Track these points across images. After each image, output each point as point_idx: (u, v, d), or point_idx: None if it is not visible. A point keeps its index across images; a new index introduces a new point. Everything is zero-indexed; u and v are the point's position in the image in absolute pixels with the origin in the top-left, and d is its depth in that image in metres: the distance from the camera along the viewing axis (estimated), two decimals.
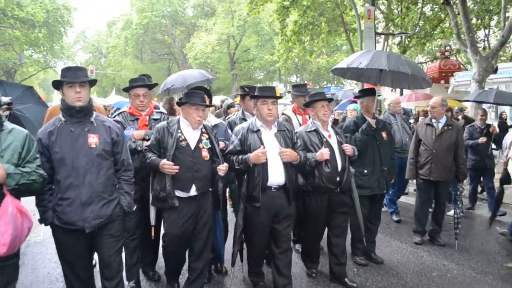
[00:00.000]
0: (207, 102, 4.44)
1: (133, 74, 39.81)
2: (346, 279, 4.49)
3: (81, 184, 3.15)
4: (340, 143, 4.49)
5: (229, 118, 5.54)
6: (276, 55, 23.76)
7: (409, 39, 19.60)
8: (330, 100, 4.68)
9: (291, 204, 4.15)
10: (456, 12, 11.68)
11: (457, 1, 11.41)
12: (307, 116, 5.29)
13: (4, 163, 2.67)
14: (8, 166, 2.69)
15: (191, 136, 3.92)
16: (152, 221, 4.11)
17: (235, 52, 39.26)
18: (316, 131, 4.45)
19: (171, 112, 6.11)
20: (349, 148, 4.47)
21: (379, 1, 20.16)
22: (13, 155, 2.79)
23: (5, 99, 5.60)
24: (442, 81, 17.29)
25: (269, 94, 4.14)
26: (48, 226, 3.24)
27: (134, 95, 4.37)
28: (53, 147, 3.16)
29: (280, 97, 4.52)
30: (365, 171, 4.99)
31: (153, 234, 4.19)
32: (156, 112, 4.58)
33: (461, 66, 18.24)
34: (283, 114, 5.67)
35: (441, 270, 4.97)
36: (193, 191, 3.83)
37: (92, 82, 3.34)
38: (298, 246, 5.41)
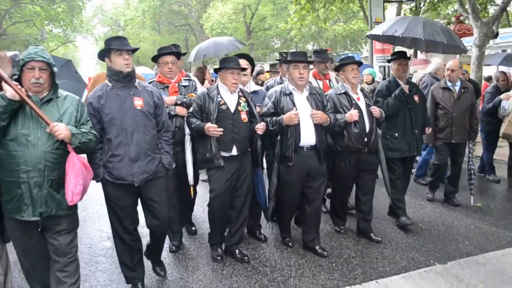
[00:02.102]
0: (249, 69, 4.84)
1: (152, 46, 40.44)
2: (371, 234, 4.88)
3: (130, 142, 3.45)
4: (368, 106, 4.70)
5: (267, 83, 5.77)
6: (290, 24, 24.12)
7: (421, 5, 19.77)
8: (359, 63, 4.91)
9: (322, 164, 4.41)
10: None
11: None
12: (327, 81, 5.58)
13: None
14: (71, 127, 3.00)
15: (230, 100, 4.18)
16: (191, 181, 4.43)
17: (251, 21, 39.36)
18: (346, 93, 4.67)
19: (203, 80, 6.48)
20: (376, 110, 4.69)
21: None
22: (71, 119, 3.10)
23: None
24: None
25: (300, 58, 4.36)
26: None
27: (163, 62, 4.59)
28: (103, 109, 3.45)
29: (311, 62, 4.78)
30: (396, 134, 5.13)
31: (192, 193, 4.52)
32: (185, 79, 4.80)
33: None
34: None
35: (417, 207, 5.82)
36: (234, 151, 4.12)
37: (135, 51, 3.67)
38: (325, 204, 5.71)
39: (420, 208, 5.93)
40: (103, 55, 3.60)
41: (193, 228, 5.21)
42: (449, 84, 5.99)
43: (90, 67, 57.90)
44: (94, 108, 3.47)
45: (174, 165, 3.96)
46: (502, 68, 11.99)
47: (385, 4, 19.45)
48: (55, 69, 3.09)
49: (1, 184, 3.01)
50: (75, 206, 3.17)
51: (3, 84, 2.87)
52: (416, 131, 5.20)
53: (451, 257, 4.40)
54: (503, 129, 6.82)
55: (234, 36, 39.29)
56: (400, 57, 5.32)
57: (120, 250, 3.80)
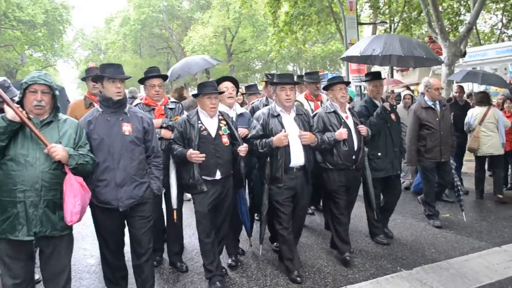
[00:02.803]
0: (235, 91, 4.80)
1: (133, 69, 40.60)
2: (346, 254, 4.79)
3: (116, 167, 3.50)
4: (356, 124, 4.79)
5: (253, 103, 5.73)
6: (269, 45, 24.68)
7: (394, 26, 20.52)
8: (347, 83, 5.03)
9: (309, 183, 4.49)
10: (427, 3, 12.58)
11: None
12: (318, 103, 5.69)
13: None
14: (69, 149, 3.11)
15: (210, 125, 4.20)
16: (174, 204, 4.37)
17: (232, 43, 39.92)
18: (335, 112, 4.75)
19: (181, 100, 6.40)
20: (364, 129, 4.79)
21: None
22: (69, 141, 3.20)
23: None
24: None
25: (287, 80, 4.40)
26: None
27: (150, 85, 4.59)
28: (92, 134, 3.50)
29: (298, 83, 4.82)
30: (379, 153, 5.17)
31: (175, 217, 4.42)
32: (171, 101, 4.83)
33: None
34: (296, 100, 5.74)
35: (390, 220, 5.90)
36: (218, 176, 4.15)
37: (127, 79, 3.75)
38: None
39: (391, 220, 6.17)
40: (96, 79, 3.71)
41: (184, 266, 4.77)
42: (430, 103, 5.88)
43: (71, 91, 57.77)
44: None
45: (164, 191, 4.00)
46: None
47: (360, 25, 20.20)
48: (56, 92, 3.21)
49: None
50: (69, 228, 3.21)
51: (5, 106, 2.98)
52: (396, 149, 5.27)
53: (417, 264, 4.65)
54: (468, 143, 7.21)
55: (215, 58, 39.76)
56: (374, 78, 5.38)
57: (104, 266, 3.92)
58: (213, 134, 4.16)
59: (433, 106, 5.86)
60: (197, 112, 4.25)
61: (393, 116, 5.31)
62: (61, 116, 3.30)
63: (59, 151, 3.01)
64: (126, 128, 3.60)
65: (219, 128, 4.20)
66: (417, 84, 16.33)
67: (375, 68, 25.40)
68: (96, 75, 3.68)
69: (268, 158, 4.30)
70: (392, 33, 20.86)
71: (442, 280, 4.21)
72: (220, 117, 4.28)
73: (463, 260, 4.72)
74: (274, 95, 4.51)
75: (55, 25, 36.92)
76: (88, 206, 3.50)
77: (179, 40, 42.07)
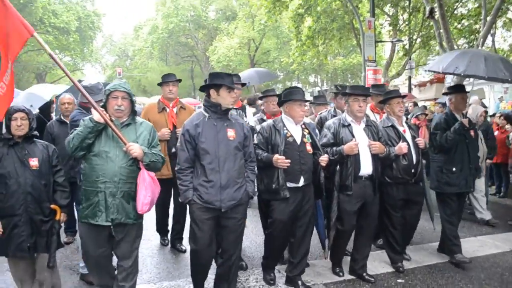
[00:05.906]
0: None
1: (159, 76, 40.98)
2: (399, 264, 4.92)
3: (221, 170, 3.70)
4: (413, 137, 4.85)
5: (321, 113, 5.90)
6: (291, 58, 25.71)
7: (412, 43, 21.29)
8: (404, 96, 5.16)
9: (377, 194, 4.56)
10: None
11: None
12: (384, 115, 5.55)
13: None
14: (144, 148, 3.46)
15: (295, 132, 4.30)
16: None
17: (255, 54, 40.91)
18: (393, 126, 4.81)
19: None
20: (422, 142, 4.85)
21: (385, 7, 22.03)
22: (144, 141, 3.56)
23: None
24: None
25: (361, 92, 4.53)
26: None
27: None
28: (199, 137, 3.70)
29: (370, 95, 4.92)
30: (454, 169, 5.05)
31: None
32: (234, 109, 4.82)
33: None
34: None
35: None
36: (301, 182, 4.20)
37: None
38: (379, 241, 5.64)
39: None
40: (209, 86, 3.85)
41: (243, 264, 4.99)
42: None
43: None
44: (191, 135, 3.74)
45: (257, 194, 4.27)
46: None
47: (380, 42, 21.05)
48: (134, 98, 3.63)
49: (83, 192, 3.51)
50: (141, 217, 3.58)
51: (92, 109, 3.46)
52: (472, 166, 5.14)
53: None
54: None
55: (239, 68, 40.79)
56: (461, 90, 5.24)
57: (195, 266, 4.01)
58: (298, 141, 4.27)
59: None
60: (281, 119, 4.38)
61: (471, 132, 5.23)
62: (138, 119, 3.72)
63: (136, 149, 3.39)
64: (231, 133, 3.81)
65: (303, 135, 4.32)
66: (434, 99, 16.90)
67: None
68: (209, 84, 3.86)
69: (338, 166, 4.43)
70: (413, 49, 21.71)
71: (420, 255, 5.17)
72: (303, 125, 4.42)
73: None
74: (346, 105, 4.63)
75: (86, 32, 38.29)
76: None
77: (204, 49, 43.18)
